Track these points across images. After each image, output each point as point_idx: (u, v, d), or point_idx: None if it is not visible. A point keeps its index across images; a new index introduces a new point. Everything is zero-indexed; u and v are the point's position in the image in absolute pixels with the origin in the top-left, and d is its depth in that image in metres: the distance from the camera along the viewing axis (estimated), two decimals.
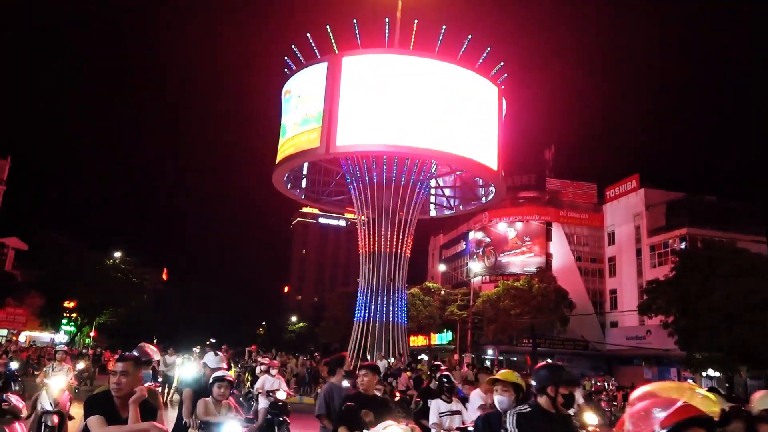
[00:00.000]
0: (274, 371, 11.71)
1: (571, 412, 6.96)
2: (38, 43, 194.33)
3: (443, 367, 8.22)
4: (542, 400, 3.53)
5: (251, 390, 15.62)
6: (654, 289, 30.98)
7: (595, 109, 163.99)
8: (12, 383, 15.76)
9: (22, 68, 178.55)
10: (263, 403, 10.71)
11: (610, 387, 28.43)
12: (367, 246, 29.56)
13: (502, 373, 4.62)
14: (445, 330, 46.66)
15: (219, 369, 6.22)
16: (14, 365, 16.99)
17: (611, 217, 49.14)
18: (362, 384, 5.36)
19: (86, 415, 3.73)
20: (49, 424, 7.73)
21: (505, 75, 31.12)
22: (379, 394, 6.69)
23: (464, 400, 7.08)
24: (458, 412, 6.46)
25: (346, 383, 5.75)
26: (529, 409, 3.51)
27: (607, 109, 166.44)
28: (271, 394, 10.65)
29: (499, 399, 4.42)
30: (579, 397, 8.84)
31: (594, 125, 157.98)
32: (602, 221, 50.16)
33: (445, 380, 6.64)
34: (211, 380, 5.86)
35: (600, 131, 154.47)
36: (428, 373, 9.00)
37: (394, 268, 28.99)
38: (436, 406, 6.45)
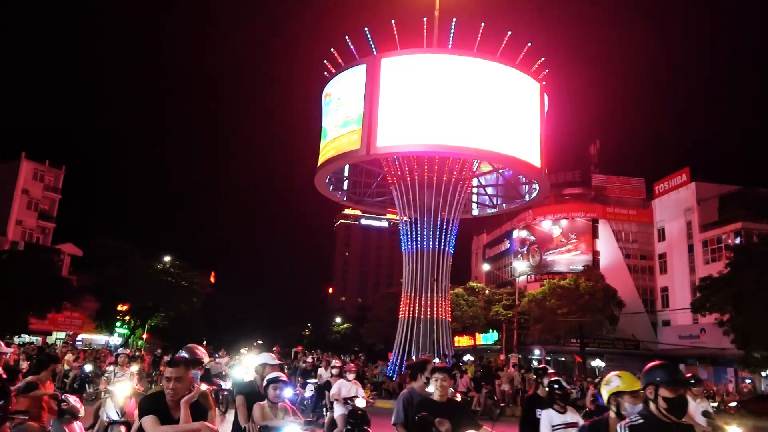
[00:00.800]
0: (351, 376, 10.55)
1: (703, 422, 6.01)
2: (83, 51, 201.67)
3: (551, 371, 7.19)
4: (652, 407, 3.13)
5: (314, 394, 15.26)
6: (708, 286, 30.01)
7: (641, 101, 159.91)
8: (87, 386, 16.31)
9: (71, 78, 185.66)
10: (340, 411, 9.95)
11: None
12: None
13: (631, 377, 4.09)
14: (491, 330, 46.23)
15: (277, 366, 5.89)
16: (88, 368, 17.53)
17: (661, 212, 47.77)
18: (439, 389, 4.89)
19: (140, 415, 3.85)
20: None
21: (547, 70, 30.63)
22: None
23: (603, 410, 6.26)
24: (574, 424, 5.63)
25: (431, 388, 5.13)
26: (641, 420, 3.11)
27: (654, 101, 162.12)
28: (349, 401, 9.83)
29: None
30: (705, 405, 7.13)
31: (641, 118, 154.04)
32: (651, 217, 48.82)
33: (557, 387, 5.81)
34: (265, 382, 5.48)
35: (647, 124, 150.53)
36: (533, 377, 7.85)
37: (438, 269, 28.85)
38: (548, 417, 5.67)
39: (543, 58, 30.06)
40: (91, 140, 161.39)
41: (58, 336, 45.59)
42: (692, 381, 7.23)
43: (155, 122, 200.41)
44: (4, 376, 5.15)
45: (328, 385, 12.91)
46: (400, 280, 34.13)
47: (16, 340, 34.52)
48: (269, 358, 6.01)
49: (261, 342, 63.58)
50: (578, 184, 51.60)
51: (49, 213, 53.32)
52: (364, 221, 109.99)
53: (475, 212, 37.62)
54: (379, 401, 19.76)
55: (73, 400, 6.10)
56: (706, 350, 37.55)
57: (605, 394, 4.05)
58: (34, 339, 40.12)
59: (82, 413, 6.18)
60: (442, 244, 28.96)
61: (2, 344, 8.87)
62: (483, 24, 28.46)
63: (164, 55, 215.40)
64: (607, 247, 48.49)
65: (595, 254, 48.15)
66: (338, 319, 76.83)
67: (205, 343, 48.50)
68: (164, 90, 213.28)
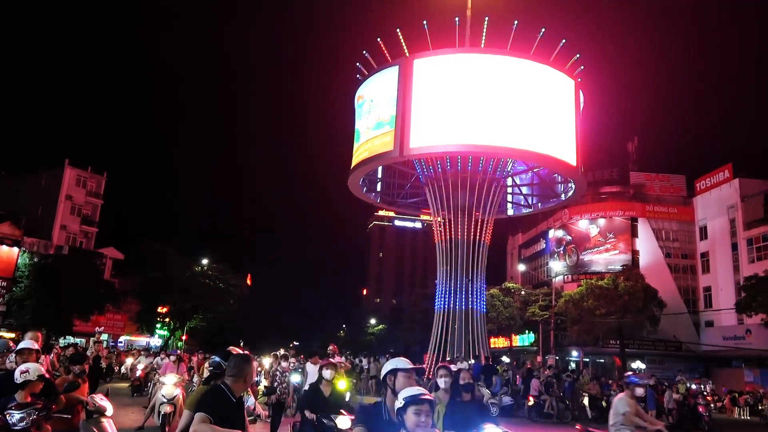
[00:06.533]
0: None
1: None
2: (123, 55, 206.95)
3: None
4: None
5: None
6: (753, 285, 29.17)
7: (680, 95, 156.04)
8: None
9: (111, 82, 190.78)
10: None
11: (708, 390, 26.81)
12: (443, 239, 29.39)
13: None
14: (527, 331, 45.69)
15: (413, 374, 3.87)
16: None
17: (703, 210, 46.51)
18: None
19: (198, 408, 3.76)
20: (162, 411, 10.57)
21: (582, 67, 30.14)
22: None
23: None
24: None
25: None
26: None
27: (693, 95, 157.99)
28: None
29: None
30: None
31: (680, 113, 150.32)
32: (693, 215, 47.57)
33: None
34: (400, 401, 3.27)
35: (687, 119, 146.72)
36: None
37: (472, 260, 28.64)
38: None
39: (578, 55, 29.63)
40: (131, 146, 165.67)
41: (102, 337, 46.82)
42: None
43: (193, 126, 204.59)
44: (47, 375, 5.28)
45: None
46: (434, 281, 33.99)
47: (61, 341, 35.58)
48: (402, 363, 3.99)
49: (297, 343, 64.19)
50: (616, 182, 50.63)
51: (91, 218, 54.85)
52: (398, 222, 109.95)
53: (510, 212, 37.27)
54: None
55: (99, 399, 6.18)
56: (752, 351, 36.41)
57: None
58: (78, 340, 41.32)
59: (110, 411, 6.25)
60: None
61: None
62: (516, 22, 28.21)
63: (196, 60, 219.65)
64: (647, 246, 47.45)
65: (635, 253, 47.15)
66: (373, 321, 77.03)
67: (242, 344, 49.14)
68: (192, 94, 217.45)
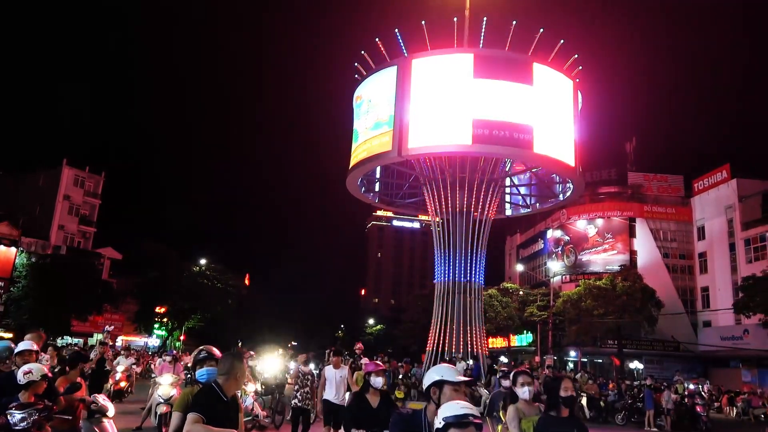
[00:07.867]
0: None
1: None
2: (124, 56, 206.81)
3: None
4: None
5: None
6: (751, 285, 29.25)
7: (678, 96, 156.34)
8: None
9: (110, 82, 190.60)
10: None
11: (705, 390, 26.83)
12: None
13: None
14: (525, 331, 45.75)
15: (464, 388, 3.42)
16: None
17: (701, 210, 46.59)
18: None
19: (191, 408, 3.76)
20: (159, 411, 10.55)
21: (580, 67, 30.17)
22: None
23: None
24: None
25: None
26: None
27: (692, 95, 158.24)
28: None
29: None
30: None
31: (678, 114, 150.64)
32: (691, 215, 47.66)
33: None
34: (439, 421, 2.59)
35: (685, 119, 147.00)
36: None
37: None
38: None
39: (576, 55, 29.67)
40: (129, 146, 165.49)
41: (98, 337, 46.73)
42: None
43: (192, 126, 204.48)
44: (50, 375, 5.27)
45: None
46: (433, 281, 34.02)
47: (59, 341, 35.50)
48: (449, 372, 3.39)
49: (295, 344, 64.17)
50: (614, 182, 50.72)
51: (89, 218, 54.76)
52: (396, 223, 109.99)
53: (509, 212, 37.25)
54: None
55: (102, 399, 6.20)
56: (750, 352, 36.47)
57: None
58: (76, 341, 41.24)
59: (111, 412, 6.27)
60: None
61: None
62: (515, 22, 28.21)
63: (196, 60, 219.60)
64: (645, 247, 47.53)
65: (633, 254, 47.23)
66: (371, 321, 77.07)
67: (240, 344, 49.15)
68: (191, 94, 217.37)
